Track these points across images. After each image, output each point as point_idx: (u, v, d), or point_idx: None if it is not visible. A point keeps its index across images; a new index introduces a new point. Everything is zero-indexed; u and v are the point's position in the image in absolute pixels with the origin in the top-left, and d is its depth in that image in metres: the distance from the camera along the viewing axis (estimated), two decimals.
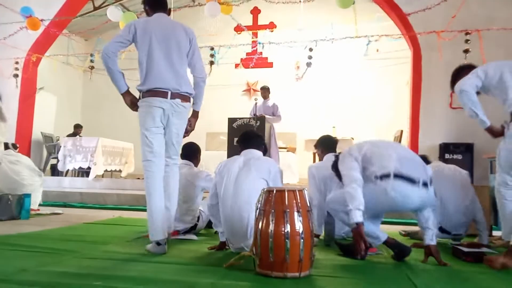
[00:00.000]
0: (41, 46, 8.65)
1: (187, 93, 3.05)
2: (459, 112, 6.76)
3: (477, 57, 6.32)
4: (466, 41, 6.16)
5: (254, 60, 8.87)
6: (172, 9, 7.58)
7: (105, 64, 2.93)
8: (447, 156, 6.46)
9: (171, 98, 2.95)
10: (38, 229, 3.90)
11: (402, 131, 7.39)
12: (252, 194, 2.72)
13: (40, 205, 5.82)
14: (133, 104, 3.06)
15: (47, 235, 3.55)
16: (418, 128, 6.88)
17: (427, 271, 2.53)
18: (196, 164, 3.94)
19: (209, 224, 3.94)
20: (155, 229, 2.86)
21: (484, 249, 2.94)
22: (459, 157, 6.44)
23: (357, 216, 2.50)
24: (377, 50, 9.16)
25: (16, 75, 8.40)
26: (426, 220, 2.69)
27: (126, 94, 3.05)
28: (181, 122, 3.10)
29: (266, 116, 6.85)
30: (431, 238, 2.67)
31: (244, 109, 8.70)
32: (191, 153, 3.88)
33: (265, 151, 3.16)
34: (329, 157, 3.54)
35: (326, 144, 3.81)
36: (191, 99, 3.14)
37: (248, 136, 3.17)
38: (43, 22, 7.24)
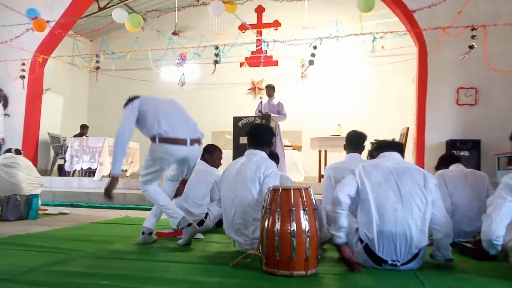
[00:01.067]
0: (47, 48, 8.70)
1: (200, 137, 3.29)
2: (466, 108, 6.73)
3: (481, 53, 6.28)
4: (473, 36, 6.10)
5: (262, 59, 8.85)
6: (176, 9, 7.63)
7: (120, 137, 3.04)
8: (454, 152, 6.40)
9: (190, 145, 3.14)
10: (46, 229, 3.93)
11: (408, 128, 7.34)
12: (247, 201, 2.80)
13: (46, 204, 5.88)
14: (111, 191, 2.99)
15: (55, 235, 3.57)
16: (424, 125, 6.84)
17: (434, 269, 2.51)
18: (210, 163, 4.10)
19: (217, 224, 3.98)
20: (175, 211, 3.17)
21: None
22: (466, 153, 6.40)
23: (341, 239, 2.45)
24: (383, 47, 9.13)
25: (22, 77, 8.46)
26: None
27: (117, 179, 3.01)
28: (195, 161, 3.35)
29: (272, 115, 6.85)
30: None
31: (249, 108, 8.70)
32: (206, 150, 4.09)
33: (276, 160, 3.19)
34: (352, 157, 3.37)
35: (352, 141, 3.48)
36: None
37: (254, 132, 3.13)
38: (48, 24, 7.26)
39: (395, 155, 2.66)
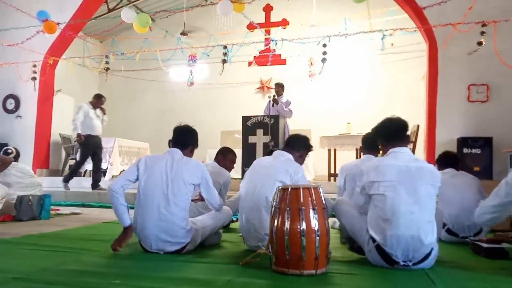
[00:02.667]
0: (57, 49, 8.79)
1: (177, 247, 2.78)
2: (477, 105, 6.64)
3: (492, 49, 6.20)
4: (482, 33, 6.01)
5: (271, 58, 8.84)
6: (185, 9, 7.65)
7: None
8: (465, 150, 6.32)
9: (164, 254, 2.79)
10: (58, 229, 3.98)
11: (418, 126, 7.28)
12: (265, 199, 2.83)
13: (58, 204, 5.94)
14: (125, 241, 2.82)
15: (67, 235, 3.62)
16: (435, 123, 6.77)
17: (446, 268, 2.49)
18: (222, 165, 4.11)
19: (226, 225, 3.99)
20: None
21: (504, 245, 2.89)
22: (478, 151, 6.31)
23: None
24: (392, 44, 9.04)
25: (34, 78, 8.56)
26: None
27: (129, 229, 2.84)
28: None
29: (280, 103, 6.85)
30: None
31: (258, 107, 8.70)
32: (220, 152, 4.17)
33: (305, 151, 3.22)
34: (369, 157, 3.51)
35: (367, 144, 3.68)
36: (188, 244, 2.81)
37: (290, 137, 3.27)
38: (59, 26, 7.33)
39: (406, 151, 2.57)
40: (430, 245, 2.38)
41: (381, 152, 3.34)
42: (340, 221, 2.99)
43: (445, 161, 3.81)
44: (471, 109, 6.63)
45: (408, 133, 2.69)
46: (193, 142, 3.03)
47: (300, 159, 3.14)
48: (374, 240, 2.45)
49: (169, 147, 2.99)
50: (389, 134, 2.66)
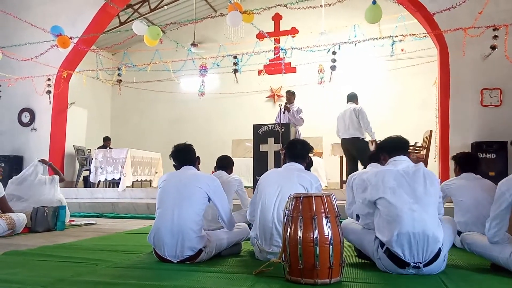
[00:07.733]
0: (71, 63, 8.96)
1: (192, 254, 2.81)
2: (491, 110, 6.56)
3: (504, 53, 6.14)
4: (495, 37, 5.96)
5: (283, 68, 8.85)
6: (195, 20, 7.74)
7: None
8: (480, 155, 6.24)
9: (178, 263, 2.81)
10: (73, 239, 4.02)
11: (431, 131, 7.21)
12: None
13: (72, 215, 6.00)
14: None
15: (82, 246, 3.65)
16: (448, 128, 6.71)
17: (461, 275, 2.46)
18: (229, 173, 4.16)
19: None
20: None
21: None
22: (493, 155, 6.22)
23: None
24: (402, 50, 9.01)
25: (48, 92, 8.73)
26: None
27: None
28: None
29: (292, 111, 6.88)
30: None
31: (268, 115, 8.71)
32: (225, 164, 4.12)
33: (310, 164, 3.23)
34: (374, 165, 3.56)
35: (373, 159, 3.69)
36: (202, 253, 2.84)
37: (293, 146, 3.19)
38: (72, 40, 7.47)
39: (404, 158, 2.72)
40: (438, 242, 2.40)
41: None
42: (348, 240, 2.91)
43: (465, 161, 3.65)
44: (484, 113, 6.56)
45: (408, 150, 2.91)
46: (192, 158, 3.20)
47: (305, 165, 3.19)
48: (382, 246, 2.48)
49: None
50: (390, 147, 2.84)
